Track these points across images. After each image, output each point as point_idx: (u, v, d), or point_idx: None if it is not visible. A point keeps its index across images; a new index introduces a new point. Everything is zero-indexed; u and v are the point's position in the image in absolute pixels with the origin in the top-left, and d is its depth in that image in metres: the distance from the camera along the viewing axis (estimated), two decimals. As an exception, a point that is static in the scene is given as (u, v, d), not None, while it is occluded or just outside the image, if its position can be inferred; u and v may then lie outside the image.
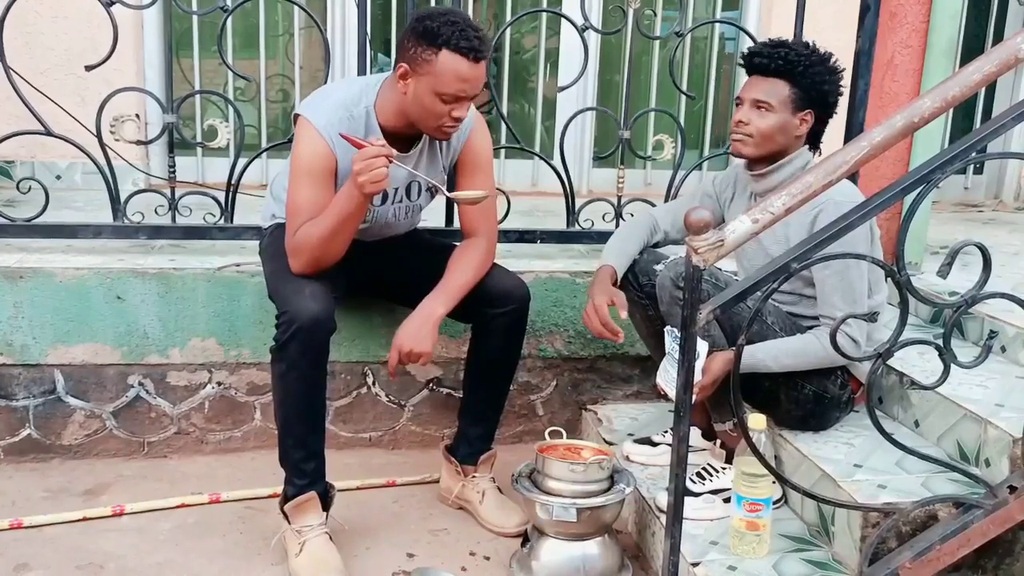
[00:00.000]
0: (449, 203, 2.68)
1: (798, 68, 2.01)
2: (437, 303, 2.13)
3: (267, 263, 2.26)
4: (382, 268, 2.30)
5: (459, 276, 2.17)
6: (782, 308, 2.12)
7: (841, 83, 2.08)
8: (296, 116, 2.09)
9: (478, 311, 2.24)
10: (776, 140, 2.04)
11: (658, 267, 2.16)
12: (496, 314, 2.22)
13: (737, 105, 2.09)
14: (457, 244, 2.27)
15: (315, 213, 2.02)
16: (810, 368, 2.04)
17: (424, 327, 2.11)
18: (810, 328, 2.08)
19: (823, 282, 2.02)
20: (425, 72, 1.95)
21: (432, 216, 2.52)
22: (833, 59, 2.07)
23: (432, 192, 2.25)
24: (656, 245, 2.33)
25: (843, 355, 1.79)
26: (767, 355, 2.00)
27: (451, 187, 2.25)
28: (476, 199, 2.11)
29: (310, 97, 2.14)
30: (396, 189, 2.17)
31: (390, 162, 1.94)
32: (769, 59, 2.03)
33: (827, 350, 1.94)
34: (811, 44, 2.07)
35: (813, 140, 2.11)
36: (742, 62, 2.10)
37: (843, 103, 2.61)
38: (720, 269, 2.03)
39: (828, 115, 2.10)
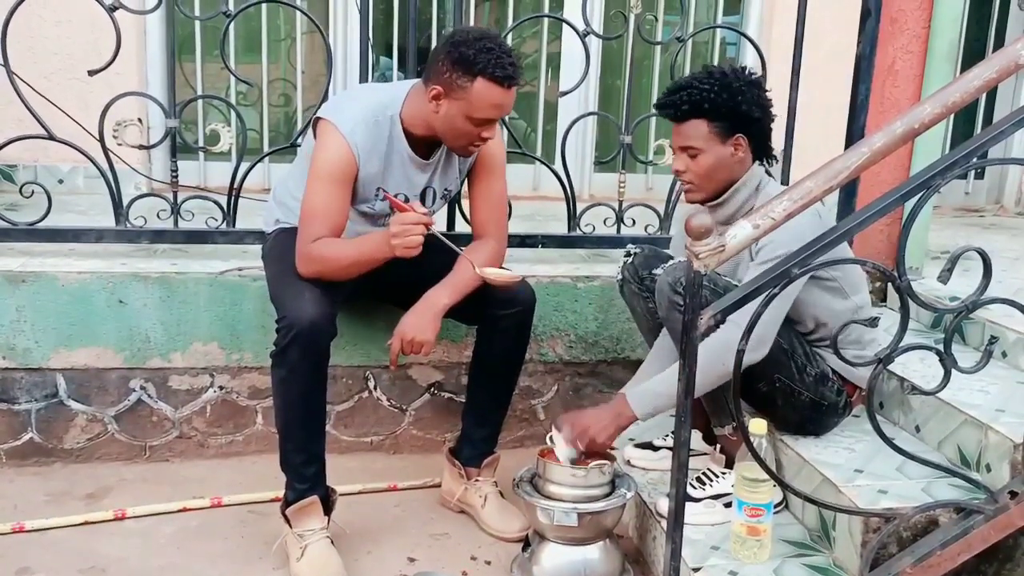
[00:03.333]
0: (452, 208, 2.69)
1: (704, 105, 1.97)
2: (441, 294, 2.14)
3: (269, 268, 2.26)
4: (388, 273, 2.29)
5: (466, 272, 2.17)
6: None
7: (760, 92, 2.01)
8: (317, 119, 2.10)
9: (484, 312, 2.25)
10: (719, 176, 2.02)
11: (656, 271, 2.16)
12: (502, 315, 2.23)
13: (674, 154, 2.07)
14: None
15: (331, 219, 2.04)
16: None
17: (427, 316, 2.11)
18: (806, 336, 2.07)
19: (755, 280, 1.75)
20: (460, 97, 1.99)
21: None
22: (739, 75, 2.00)
23: (444, 199, 2.30)
24: None
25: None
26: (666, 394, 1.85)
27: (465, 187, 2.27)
28: (506, 282, 2.12)
29: (333, 101, 2.15)
30: (408, 199, 2.17)
31: (428, 230, 1.97)
32: (674, 107, 2.00)
33: (727, 367, 1.70)
34: (714, 72, 1.99)
35: (761, 153, 2.06)
36: (656, 111, 2.06)
37: (844, 109, 2.64)
38: (719, 275, 2.04)
39: (763, 128, 2.03)
